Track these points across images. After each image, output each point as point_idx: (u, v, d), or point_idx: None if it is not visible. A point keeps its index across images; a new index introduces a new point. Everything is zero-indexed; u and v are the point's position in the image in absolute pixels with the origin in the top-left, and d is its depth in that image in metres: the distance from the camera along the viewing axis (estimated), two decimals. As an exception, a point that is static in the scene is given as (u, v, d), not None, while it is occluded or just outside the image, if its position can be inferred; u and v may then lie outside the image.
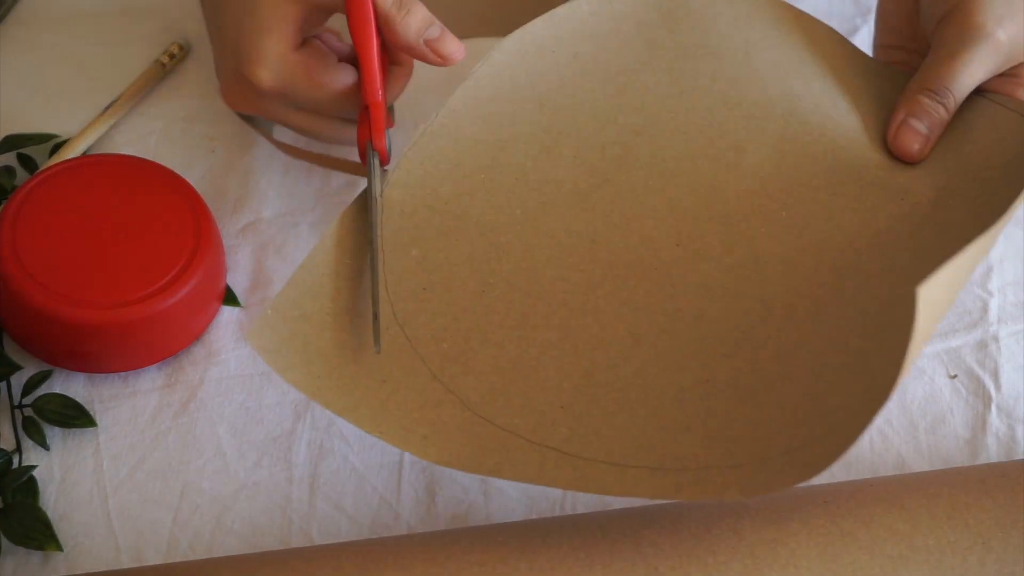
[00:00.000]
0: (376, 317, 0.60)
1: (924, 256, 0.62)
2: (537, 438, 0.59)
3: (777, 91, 0.67)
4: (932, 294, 0.52)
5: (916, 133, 0.65)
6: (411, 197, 0.64)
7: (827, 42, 0.69)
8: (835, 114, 0.67)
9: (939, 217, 0.64)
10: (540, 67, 0.67)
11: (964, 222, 0.63)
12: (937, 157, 0.66)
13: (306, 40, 0.65)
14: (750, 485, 0.55)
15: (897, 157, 0.66)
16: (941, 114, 0.65)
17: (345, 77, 0.65)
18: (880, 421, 0.66)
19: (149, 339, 0.65)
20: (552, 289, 0.63)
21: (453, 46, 0.65)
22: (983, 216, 0.62)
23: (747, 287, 0.63)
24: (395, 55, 0.66)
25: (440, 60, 0.65)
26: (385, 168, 0.64)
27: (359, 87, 0.65)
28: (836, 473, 0.65)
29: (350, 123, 0.67)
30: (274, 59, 0.63)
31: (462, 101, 0.66)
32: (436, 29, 0.64)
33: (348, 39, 0.66)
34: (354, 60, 0.66)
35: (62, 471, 0.64)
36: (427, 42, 0.64)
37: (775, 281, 0.62)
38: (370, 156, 0.64)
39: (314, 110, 0.65)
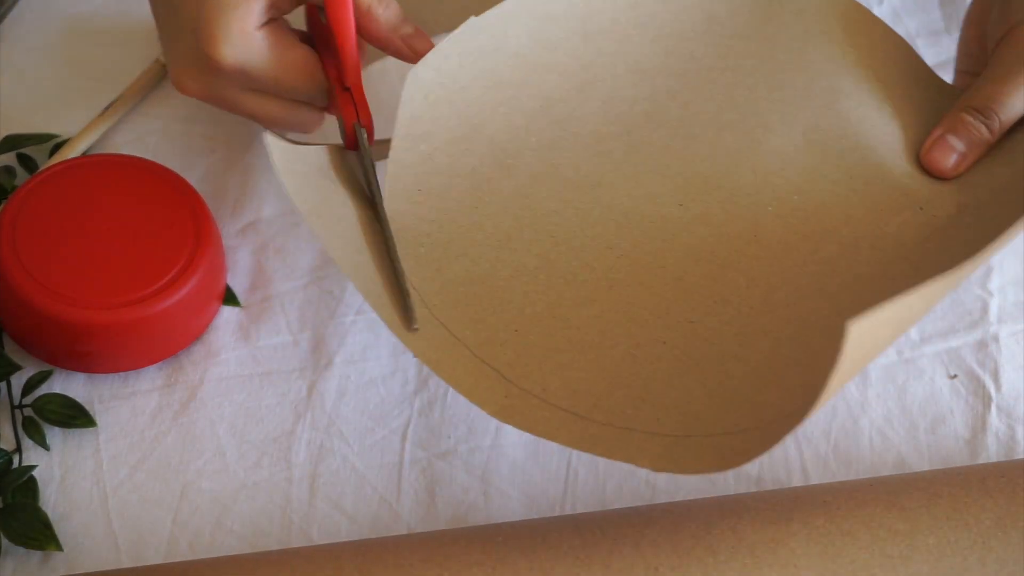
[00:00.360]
0: (407, 294, 0.59)
1: (920, 269, 0.61)
2: (481, 354, 0.59)
3: (823, 84, 0.67)
4: (870, 330, 0.50)
5: (950, 149, 0.64)
6: (439, 86, 0.64)
7: (894, 52, 0.68)
8: (877, 118, 0.66)
9: (950, 232, 0.63)
10: (598, 4, 0.67)
11: (974, 242, 0.61)
12: (969, 175, 0.65)
13: (267, 20, 0.64)
14: (663, 458, 0.55)
15: (928, 172, 0.65)
16: (983, 134, 0.64)
17: (306, 55, 0.64)
18: (880, 421, 0.66)
19: (149, 339, 0.65)
20: (543, 220, 0.63)
21: (426, 43, 0.66)
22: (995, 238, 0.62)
23: (737, 260, 0.63)
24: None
25: (414, 56, 0.65)
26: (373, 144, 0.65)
27: (319, 67, 0.65)
28: (836, 473, 0.65)
29: (307, 107, 0.66)
30: (237, 35, 0.62)
31: (516, 5, 0.65)
32: (410, 26, 0.65)
33: (298, 26, 0.66)
34: (309, 43, 0.66)
35: (62, 471, 0.64)
36: (402, 37, 0.65)
37: (766, 261, 0.62)
38: (361, 135, 0.64)
39: (272, 91, 0.65)
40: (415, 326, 0.58)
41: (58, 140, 0.73)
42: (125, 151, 0.73)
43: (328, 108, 0.67)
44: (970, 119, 0.64)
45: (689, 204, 0.64)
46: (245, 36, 0.62)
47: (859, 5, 0.69)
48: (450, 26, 0.69)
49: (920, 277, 0.60)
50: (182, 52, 0.64)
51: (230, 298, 0.69)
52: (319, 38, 0.65)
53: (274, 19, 0.64)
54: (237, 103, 0.65)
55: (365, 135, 0.64)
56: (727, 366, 0.59)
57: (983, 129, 0.64)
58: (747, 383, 0.58)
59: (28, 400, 0.65)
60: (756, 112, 0.67)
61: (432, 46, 0.65)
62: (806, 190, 0.65)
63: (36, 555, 0.62)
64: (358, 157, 0.64)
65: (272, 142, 0.60)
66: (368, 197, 0.63)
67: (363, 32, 0.65)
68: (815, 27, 0.68)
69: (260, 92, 0.65)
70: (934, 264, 0.61)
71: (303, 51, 0.64)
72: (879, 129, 0.66)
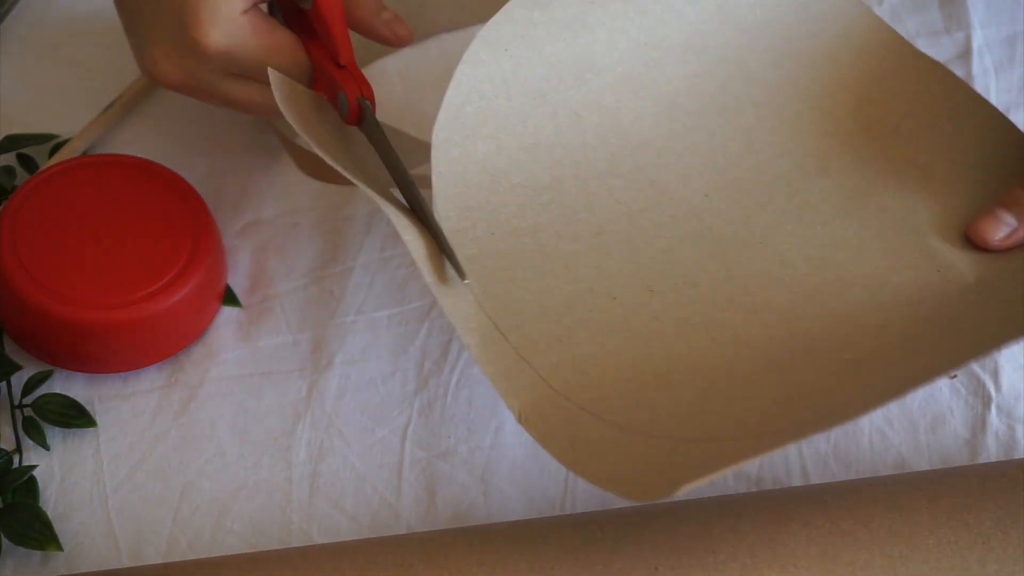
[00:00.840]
0: (451, 253, 0.59)
1: (886, 327, 0.60)
2: (444, 227, 0.60)
3: (902, 151, 0.66)
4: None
5: (999, 223, 0.62)
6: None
7: (986, 126, 0.66)
8: (939, 180, 0.65)
9: (950, 300, 0.62)
10: None
11: (964, 318, 0.61)
12: (1012, 253, 0.63)
13: (250, 6, 0.64)
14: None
15: (975, 245, 0.63)
16: None
17: (290, 38, 0.64)
18: (880, 421, 0.66)
19: (149, 339, 0.65)
20: (578, 147, 0.64)
21: (405, 28, 0.66)
22: (996, 322, 0.60)
23: (727, 255, 0.63)
24: None
25: (396, 40, 0.66)
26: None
27: (303, 50, 0.65)
28: (836, 473, 0.65)
29: None
30: (225, 19, 0.62)
31: None
32: (390, 12, 0.66)
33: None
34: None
35: (62, 471, 0.64)
36: (384, 22, 0.65)
37: (754, 266, 0.62)
38: (367, 108, 0.63)
39: (254, 75, 0.64)
40: (466, 281, 0.59)
41: (58, 140, 0.73)
42: (125, 151, 0.73)
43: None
44: (1022, 193, 0.63)
45: (714, 197, 0.64)
46: (233, 20, 0.62)
47: (952, 74, 0.68)
48: (449, 26, 0.70)
49: (882, 336, 0.60)
50: (162, 39, 0.63)
51: (230, 298, 0.69)
52: (296, 24, 0.65)
53: (255, 5, 0.64)
54: (219, 90, 0.65)
55: (371, 107, 0.64)
56: (658, 348, 0.60)
57: None
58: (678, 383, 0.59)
59: (28, 400, 0.65)
60: (818, 154, 0.66)
61: (409, 30, 0.66)
62: (832, 224, 0.64)
63: (36, 555, 0.62)
64: (365, 131, 0.64)
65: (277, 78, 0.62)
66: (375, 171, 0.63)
67: (348, 17, 0.65)
68: (917, 101, 0.67)
69: (243, 78, 0.65)
70: (912, 335, 0.60)
71: (287, 34, 0.64)
72: (936, 195, 0.65)
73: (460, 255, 0.59)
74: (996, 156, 0.66)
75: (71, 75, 0.76)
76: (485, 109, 0.63)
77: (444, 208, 0.61)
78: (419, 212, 0.61)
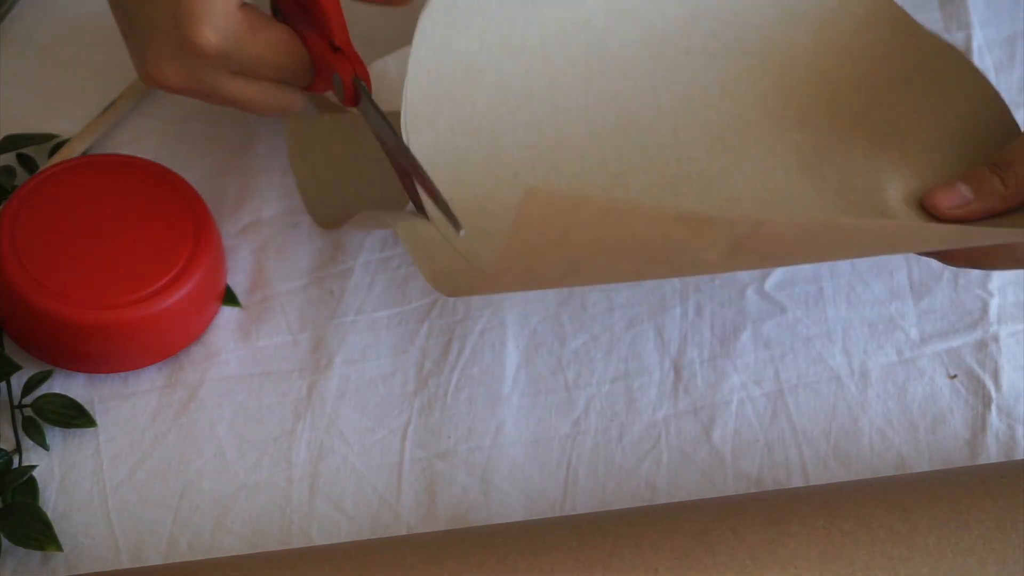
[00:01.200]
0: (446, 207, 0.59)
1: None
2: (415, 126, 0.61)
3: (885, 116, 0.67)
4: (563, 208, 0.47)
5: (956, 193, 0.63)
6: None
7: (989, 115, 0.66)
8: (915, 148, 0.66)
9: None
10: None
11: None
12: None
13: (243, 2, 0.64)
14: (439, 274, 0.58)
15: (928, 212, 0.63)
16: (995, 186, 0.62)
17: (286, 32, 0.64)
18: (880, 421, 0.66)
19: (149, 339, 0.65)
20: (554, 67, 0.65)
21: None
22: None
23: (681, 190, 0.63)
24: None
25: None
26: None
27: (300, 43, 0.65)
28: (836, 473, 0.65)
29: (288, 87, 0.66)
30: (220, 16, 0.62)
31: None
32: None
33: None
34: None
35: (62, 471, 0.64)
36: None
37: (701, 205, 0.63)
38: (362, 87, 0.63)
39: (254, 73, 0.64)
40: (462, 232, 0.58)
41: (58, 140, 0.73)
42: (125, 151, 0.73)
43: (311, 87, 0.67)
44: (984, 171, 0.63)
45: (682, 134, 0.65)
46: (228, 17, 0.62)
47: (968, 60, 0.68)
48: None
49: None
50: (159, 42, 0.63)
51: (230, 298, 0.69)
52: (291, 15, 0.65)
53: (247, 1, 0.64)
54: (219, 88, 0.65)
55: (366, 87, 0.64)
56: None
57: (996, 181, 0.62)
58: None
59: (28, 400, 0.65)
60: (799, 111, 0.66)
61: None
62: (793, 175, 0.64)
63: (36, 555, 0.62)
64: (361, 110, 0.64)
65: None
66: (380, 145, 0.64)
67: None
68: (919, 75, 0.67)
69: (242, 76, 0.64)
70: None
71: (283, 28, 0.64)
72: (906, 166, 0.66)
73: (416, 140, 0.60)
74: (982, 137, 0.66)
75: (71, 75, 0.76)
76: (476, 7, 0.63)
77: (412, 91, 0.61)
78: (418, 178, 0.61)
